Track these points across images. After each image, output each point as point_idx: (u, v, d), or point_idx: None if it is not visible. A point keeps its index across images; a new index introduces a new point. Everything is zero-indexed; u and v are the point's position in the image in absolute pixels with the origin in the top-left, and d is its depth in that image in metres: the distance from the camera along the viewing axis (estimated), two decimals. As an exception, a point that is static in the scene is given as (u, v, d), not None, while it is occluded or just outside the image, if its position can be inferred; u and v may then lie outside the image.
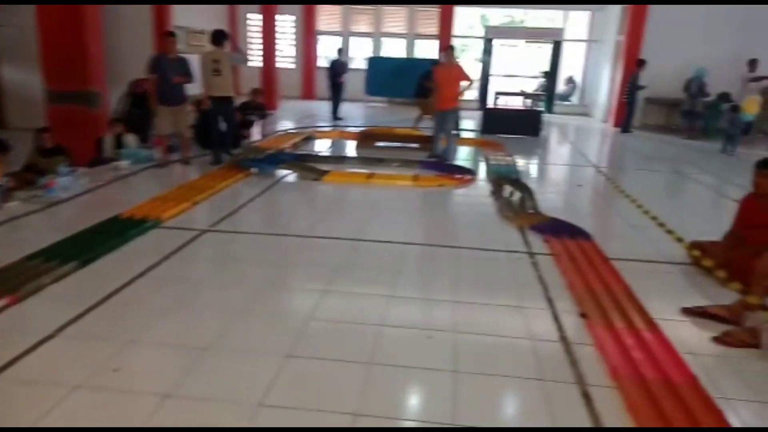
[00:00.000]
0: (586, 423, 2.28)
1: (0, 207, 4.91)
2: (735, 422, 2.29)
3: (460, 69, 8.00)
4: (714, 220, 4.97)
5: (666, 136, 12.18)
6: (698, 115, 11.90)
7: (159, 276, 3.68)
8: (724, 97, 11.99)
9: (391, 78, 15.59)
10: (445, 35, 14.65)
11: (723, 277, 3.38)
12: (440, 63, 8.28)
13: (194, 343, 2.79)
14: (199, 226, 4.72)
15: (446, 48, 8.50)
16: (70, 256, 3.76)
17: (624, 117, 12.63)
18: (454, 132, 8.31)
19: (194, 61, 7.22)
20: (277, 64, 14.89)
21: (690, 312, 3.35)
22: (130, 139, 7.35)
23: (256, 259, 4.10)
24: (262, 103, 9.89)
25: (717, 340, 3.04)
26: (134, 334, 2.85)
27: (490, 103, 13.32)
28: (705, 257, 3.77)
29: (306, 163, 7.30)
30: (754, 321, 3.16)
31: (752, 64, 10.78)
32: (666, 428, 2.22)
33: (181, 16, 11.76)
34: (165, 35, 6.88)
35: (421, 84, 10.52)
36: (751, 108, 9.98)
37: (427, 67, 10.70)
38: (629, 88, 12.29)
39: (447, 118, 8.19)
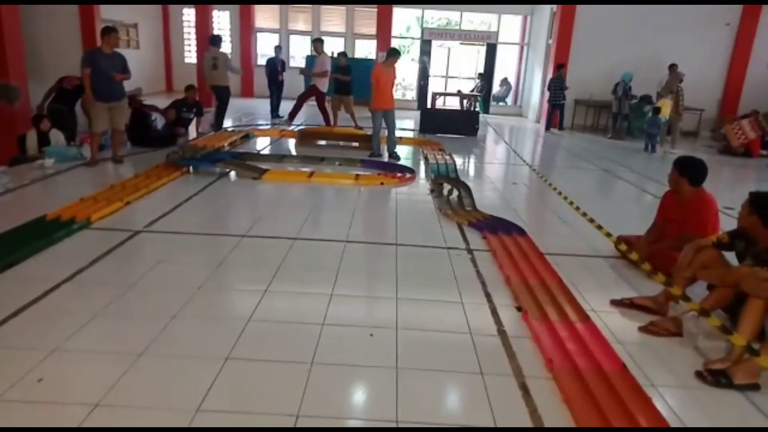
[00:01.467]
0: (525, 414, 2.35)
1: None
2: (661, 407, 2.42)
3: (395, 71, 8.29)
4: (639, 216, 5.25)
5: (595, 136, 12.77)
6: (625, 116, 12.54)
7: (88, 280, 3.50)
8: (646, 99, 12.70)
9: (331, 77, 15.48)
10: (383, 35, 14.76)
11: (648, 270, 3.57)
12: (380, 63, 8.49)
13: (126, 349, 2.67)
14: (132, 227, 4.52)
15: (388, 50, 8.63)
16: (-13, 261, 3.51)
17: (548, 116, 13.19)
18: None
19: (129, 57, 6.90)
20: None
21: (618, 304, 3.53)
22: (57, 137, 6.96)
23: (192, 260, 3.97)
24: (199, 101, 9.59)
25: (643, 329, 3.21)
26: (60, 342, 2.69)
27: (428, 104, 13.52)
28: (631, 251, 3.97)
29: (245, 162, 7.14)
30: (677, 311, 3.36)
31: (671, 68, 11.49)
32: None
33: (110, 10, 11.25)
34: (105, 30, 6.52)
35: (336, 80, 10.64)
36: (664, 111, 10.66)
37: (369, 66, 10.76)
38: (555, 89, 12.81)
39: (388, 117, 8.29)
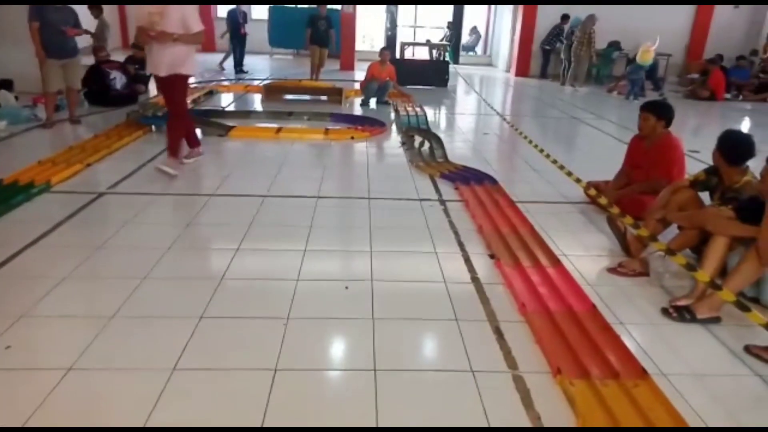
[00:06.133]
0: (500, 357, 2.41)
1: None
2: (630, 344, 2.50)
3: (391, 70, 9.10)
4: (607, 161, 5.31)
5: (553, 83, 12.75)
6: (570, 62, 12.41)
7: (52, 244, 3.39)
8: (615, 44, 12.69)
9: (296, 29, 15.02)
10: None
11: (616, 213, 3.64)
12: (375, 62, 9.14)
13: (97, 312, 2.62)
14: (94, 189, 4.38)
15: (384, 51, 9.32)
16: (-57, 229, 3.37)
17: (543, 65, 13.16)
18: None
19: (80, 11, 6.52)
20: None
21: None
22: (7, 98, 6.63)
23: (160, 221, 3.88)
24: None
25: (612, 270, 3.30)
26: (28, 309, 2.62)
27: (397, 55, 13.25)
28: (600, 196, 4.04)
29: (210, 119, 6.94)
30: (645, 252, 3.44)
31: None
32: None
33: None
34: None
35: (316, 31, 10.45)
36: (645, 57, 10.52)
37: (337, 17, 10.55)
38: (553, 38, 12.78)
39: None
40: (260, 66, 13.51)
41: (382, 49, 9.46)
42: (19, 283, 2.89)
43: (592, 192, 4.21)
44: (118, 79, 7.93)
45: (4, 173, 4.48)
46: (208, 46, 16.17)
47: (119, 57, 9.17)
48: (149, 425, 1.93)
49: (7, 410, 1.97)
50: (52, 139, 6.04)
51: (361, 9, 13.43)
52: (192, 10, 4.70)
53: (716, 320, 2.75)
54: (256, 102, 9.09)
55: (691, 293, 2.90)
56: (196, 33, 4.69)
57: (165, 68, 4.67)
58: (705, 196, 3.46)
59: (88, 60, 7.79)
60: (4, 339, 2.38)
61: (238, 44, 11.98)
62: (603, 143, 7.15)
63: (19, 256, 3.18)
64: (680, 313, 2.77)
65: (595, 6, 12.48)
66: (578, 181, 4.44)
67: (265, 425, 1.96)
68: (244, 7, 12.18)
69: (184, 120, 5.16)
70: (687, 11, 13.84)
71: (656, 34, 10.97)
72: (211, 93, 9.31)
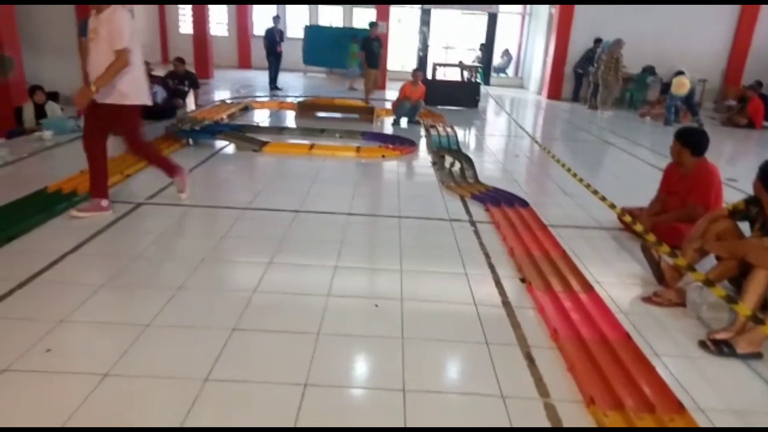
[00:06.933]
0: (530, 383, 2.37)
1: None
2: (665, 375, 2.44)
3: (423, 90, 9.23)
4: (641, 187, 5.23)
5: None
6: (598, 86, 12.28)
7: (92, 252, 3.49)
8: (649, 69, 12.57)
9: (330, 48, 15.32)
10: (382, 5, 14.46)
11: (653, 241, 3.57)
12: (408, 82, 9.31)
13: (133, 320, 2.68)
14: (133, 200, 4.50)
15: (416, 73, 9.43)
16: (-10, 233, 3.50)
17: (576, 88, 13.10)
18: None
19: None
20: (210, 32, 14.27)
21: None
22: (54, 109, 6.89)
23: (195, 233, 3.97)
24: (192, 72, 9.46)
25: (646, 300, 3.23)
26: (67, 314, 2.70)
27: (428, 75, 13.34)
28: (635, 222, 3.97)
29: (244, 134, 7.08)
30: (681, 282, 3.36)
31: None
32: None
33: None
34: None
35: (368, 53, 10.49)
36: (679, 89, 10.32)
37: (366, 36, 10.67)
38: (585, 62, 12.74)
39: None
40: (294, 84, 13.76)
41: (415, 70, 9.56)
42: (60, 288, 2.98)
43: (627, 218, 4.15)
44: (159, 93, 8.18)
45: (48, 181, 4.64)
46: (245, 64, 16.56)
47: (159, 72, 9.46)
48: (181, 435, 1.96)
49: (47, 413, 2.02)
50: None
51: (393, 29, 13.62)
52: (121, 23, 3.75)
53: (757, 356, 2.66)
54: (290, 119, 9.24)
55: (730, 326, 2.81)
56: (111, 64, 3.74)
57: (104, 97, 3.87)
58: (744, 226, 3.38)
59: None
60: (45, 342, 2.46)
61: (274, 62, 12.25)
62: (636, 169, 7.04)
63: (60, 262, 3.28)
64: (719, 346, 2.69)
65: (627, 29, 12.42)
66: (612, 206, 4.38)
67: (294, 441, 1.96)
68: (280, 26, 12.47)
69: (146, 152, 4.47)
70: (725, 34, 13.61)
71: (691, 60, 10.83)
72: (246, 109, 9.50)
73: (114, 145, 5.69)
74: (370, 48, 10.67)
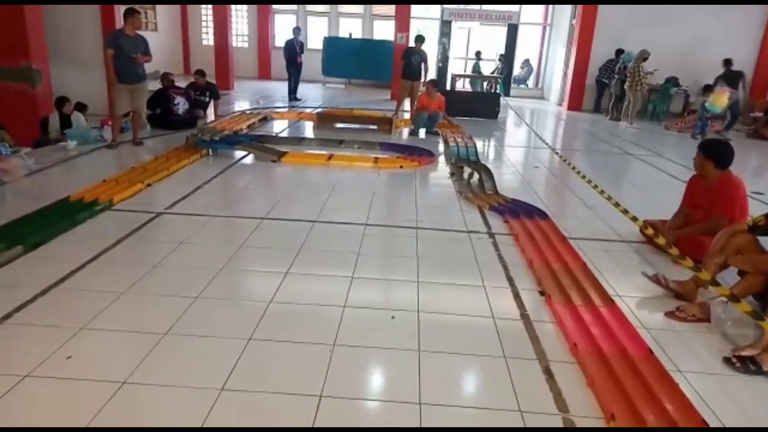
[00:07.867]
0: (549, 398, 2.33)
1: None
2: (689, 392, 2.38)
3: (441, 100, 9.19)
4: (664, 200, 5.15)
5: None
6: (619, 97, 12.13)
7: (112, 260, 3.54)
8: (673, 80, 12.41)
9: (349, 59, 15.44)
10: (402, 16, 14.55)
11: (675, 255, 3.51)
12: (423, 93, 9.36)
13: (151, 328, 2.70)
14: (153, 209, 4.55)
15: (429, 83, 9.44)
16: (15, 240, 3.56)
17: (597, 99, 13.01)
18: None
19: (147, 39, 6.90)
20: (232, 44, 14.48)
21: (648, 277, 3.45)
22: (79, 119, 7.03)
23: (213, 242, 3.99)
24: (213, 84, 9.60)
25: (669, 314, 3.16)
26: (87, 321, 2.73)
27: (448, 86, 13.37)
28: (658, 235, 3.90)
29: (263, 144, 7.15)
30: (704, 296, 3.30)
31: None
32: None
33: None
34: (128, 12, 6.52)
35: (405, 65, 10.45)
36: (717, 101, 10.11)
37: (390, 48, 10.66)
38: (607, 72, 12.64)
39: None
40: (313, 94, 13.87)
41: (426, 82, 9.57)
42: (81, 296, 3.02)
43: (649, 231, 4.08)
44: (181, 104, 8.32)
45: (71, 190, 4.73)
46: (264, 75, 16.76)
47: (181, 83, 9.61)
48: (197, 444, 1.96)
49: (66, 419, 2.04)
50: (116, 159, 6.35)
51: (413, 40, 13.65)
52: None
53: (784, 373, 2.59)
54: (309, 129, 9.31)
55: (756, 343, 2.74)
56: None
57: None
58: (765, 241, 3.29)
59: (153, 85, 8.19)
60: (66, 349, 2.49)
61: (294, 73, 12.36)
62: (658, 181, 6.94)
63: (82, 270, 3.33)
64: (745, 363, 2.62)
65: (649, 39, 12.29)
66: (634, 219, 4.31)
67: (309, 453, 1.95)
68: (300, 38, 12.60)
69: None
70: (751, 44, 13.38)
71: (715, 71, 10.68)
72: (265, 119, 9.60)
73: (136, 154, 5.75)
74: (408, 60, 10.59)
